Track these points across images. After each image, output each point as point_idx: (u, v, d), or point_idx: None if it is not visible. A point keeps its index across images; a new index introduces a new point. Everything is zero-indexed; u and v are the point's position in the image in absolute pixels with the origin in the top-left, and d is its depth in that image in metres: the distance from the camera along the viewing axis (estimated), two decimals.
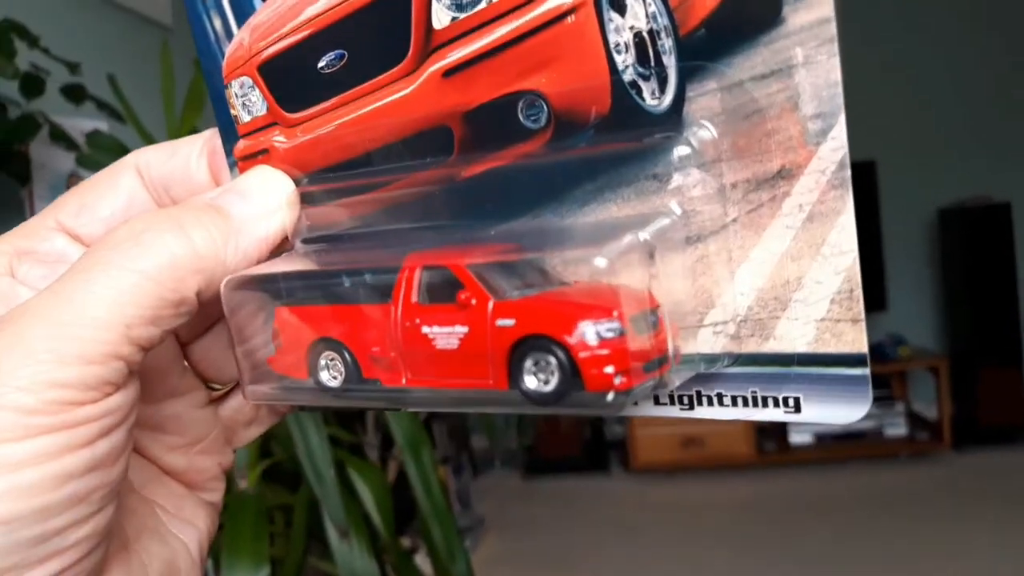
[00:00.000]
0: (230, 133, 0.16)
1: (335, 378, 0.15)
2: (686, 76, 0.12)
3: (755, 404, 0.13)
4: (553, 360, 0.12)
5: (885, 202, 2.04)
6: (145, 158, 0.16)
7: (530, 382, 0.12)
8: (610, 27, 0.12)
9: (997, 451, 1.87)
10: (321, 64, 0.15)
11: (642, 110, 0.12)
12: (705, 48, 0.12)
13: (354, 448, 0.84)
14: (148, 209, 0.16)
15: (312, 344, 0.15)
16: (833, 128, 0.11)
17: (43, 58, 0.81)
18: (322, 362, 0.15)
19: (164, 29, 1.29)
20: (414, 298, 0.14)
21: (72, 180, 0.86)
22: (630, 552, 1.52)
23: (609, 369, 0.11)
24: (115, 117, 0.84)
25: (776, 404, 0.12)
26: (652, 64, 0.12)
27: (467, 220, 0.14)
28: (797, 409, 0.12)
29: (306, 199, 0.16)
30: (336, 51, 0.15)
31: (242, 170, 0.16)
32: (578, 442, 2.00)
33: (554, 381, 0.12)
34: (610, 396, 0.12)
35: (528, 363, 0.12)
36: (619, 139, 0.13)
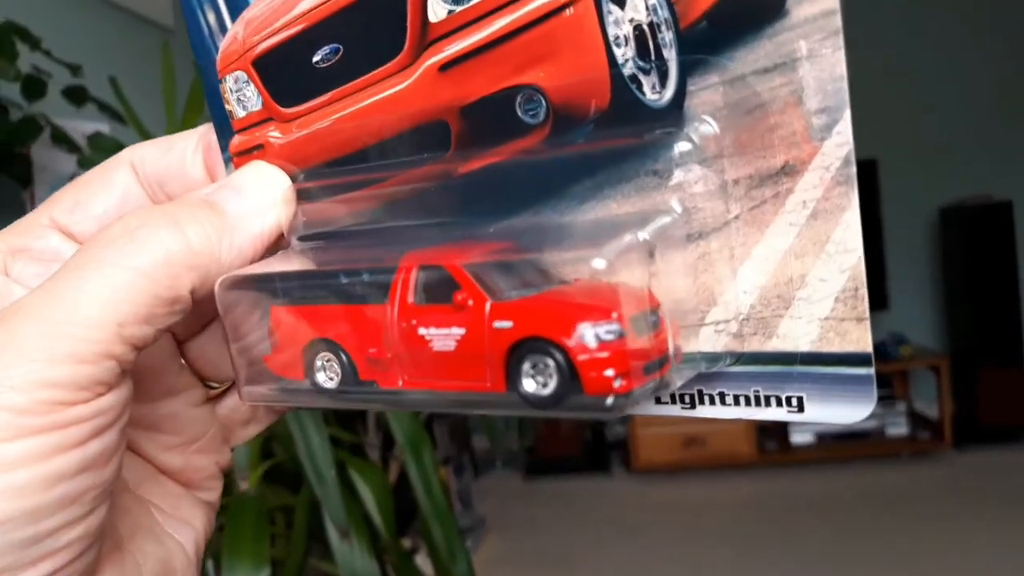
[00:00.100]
0: (225, 128, 0.16)
1: (331, 379, 0.15)
2: (687, 70, 0.12)
3: (758, 403, 0.12)
4: (551, 363, 0.12)
5: (886, 201, 2.04)
6: (140, 154, 0.16)
7: (528, 385, 0.12)
8: (609, 20, 0.12)
9: (998, 450, 1.87)
10: (316, 58, 0.15)
11: (642, 105, 0.12)
12: (707, 41, 0.12)
13: (355, 448, 0.84)
14: (143, 206, 0.16)
15: (308, 345, 0.15)
16: (838, 123, 0.11)
17: (44, 60, 0.81)
18: (318, 363, 0.15)
19: (165, 30, 1.29)
20: (410, 299, 0.13)
21: None
22: (631, 552, 1.52)
23: (609, 372, 0.11)
24: (116, 119, 0.84)
25: (779, 403, 0.12)
26: (652, 58, 0.12)
27: (465, 217, 0.14)
28: (800, 409, 0.12)
29: (302, 195, 0.16)
30: (331, 45, 0.14)
31: (237, 166, 0.16)
32: (579, 442, 2.00)
33: (552, 384, 0.12)
34: (609, 400, 0.11)
35: (526, 366, 0.12)
36: (619, 134, 0.12)
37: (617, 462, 2.04)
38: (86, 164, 0.80)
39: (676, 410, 0.13)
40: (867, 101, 1.81)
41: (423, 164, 0.14)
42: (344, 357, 0.15)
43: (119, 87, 0.81)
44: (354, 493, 0.66)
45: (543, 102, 0.13)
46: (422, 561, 0.78)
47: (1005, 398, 1.90)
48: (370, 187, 0.15)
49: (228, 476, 0.68)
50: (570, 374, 0.12)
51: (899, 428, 1.92)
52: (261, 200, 0.15)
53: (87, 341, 0.12)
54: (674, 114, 0.12)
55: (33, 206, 0.86)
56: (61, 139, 0.81)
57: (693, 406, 0.13)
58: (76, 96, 0.84)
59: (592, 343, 0.11)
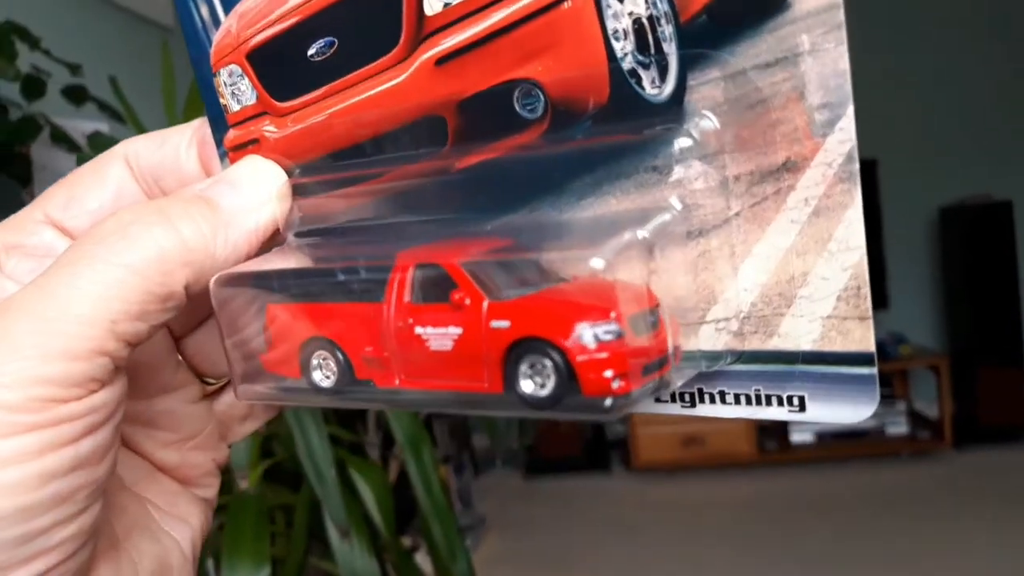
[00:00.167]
0: (220, 123, 0.16)
1: (328, 378, 0.15)
2: (687, 64, 0.12)
3: (758, 402, 0.12)
4: (549, 363, 0.12)
5: (886, 200, 2.03)
6: (134, 148, 0.16)
7: (526, 386, 0.12)
8: (608, 13, 0.12)
9: (997, 450, 1.87)
10: (311, 52, 0.14)
11: (642, 99, 0.12)
12: (707, 35, 0.12)
13: (355, 447, 0.84)
14: (137, 201, 0.16)
15: (304, 343, 0.15)
16: (841, 119, 0.11)
17: (44, 60, 0.81)
18: (314, 361, 0.15)
19: (164, 30, 1.29)
20: (407, 297, 0.13)
21: None
22: (631, 551, 1.52)
23: (607, 373, 0.11)
24: (116, 118, 0.84)
25: (780, 403, 0.12)
26: (652, 52, 0.12)
27: (462, 213, 0.14)
28: (802, 408, 0.12)
29: (298, 191, 0.15)
30: (326, 38, 0.14)
31: (233, 160, 0.16)
32: (579, 441, 2.00)
33: (550, 385, 0.12)
34: (608, 401, 0.11)
35: (524, 366, 0.12)
36: (618, 130, 0.12)
37: (617, 461, 2.04)
38: (86, 163, 0.79)
39: (676, 409, 0.13)
40: (867, 101, 1.81)
41: (420, 160, 0.14)
42: (340, 355, 0.14)
43: (119, 86, 0.81)
44: (354, 492, 0.67)
45: (541, 97, 0.12)
46: (422, 560, 0.78)
47: (1005, 398, 1.90)
48: (366, 183, 0.15)
49: (228, 475, 0.69)
50: (568, 375, 0.11)
51: (899, 427, 1.92)
52: (256, 195, 0.15)
53: (80, 338, 0.12)
54: (674, 109, 0.12)
55: None
56: (61, 138, 0.81)
57: (693, 405, 0.13)
58: (76, 95, 0.84)
59: (591, 343, 0.11)
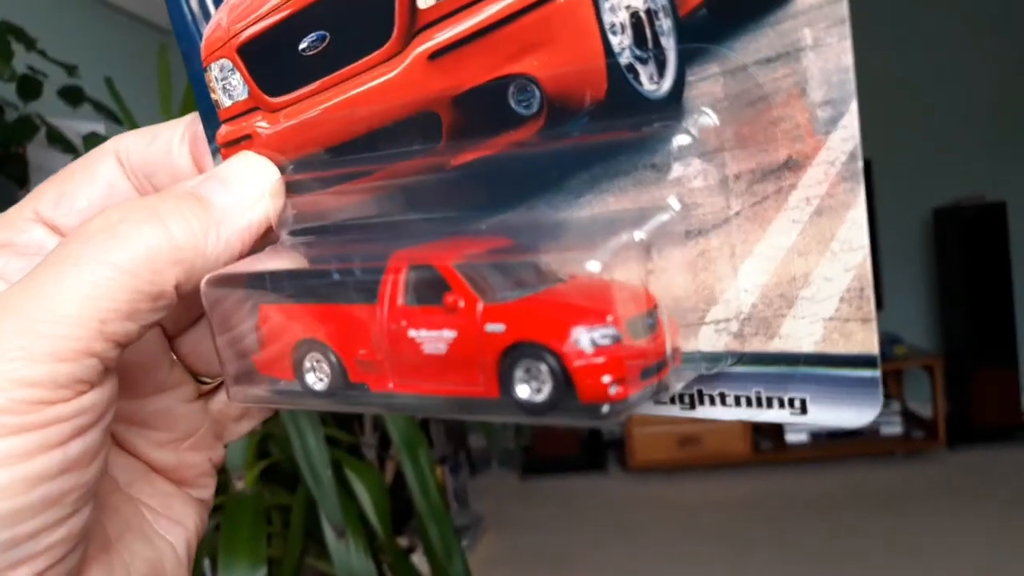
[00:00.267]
0: (212, 118, 0.16)
1: (321, 380, 0.14)
2: (686, 59, 0.12)
3: (759, 404, 0.12)
4: (545, 368, 0.11)
5: (881, 201, 2.04)
6: (125, 144, 0.16)
7: (522, 391, 0.12)
8: (605, 7, 0.12)
9: (991, 450, 1.89)
10: (303, 46, 0.14)
11: (639, 95, 0.12)
12: (707, 29, 0.11)
13: (351, 448, 0.84)
14: (129, 198, 0.16)
15: (296, 345, 0.15)
16: (844, 116, 0.11)
17: (40, 60, 0.80)
18: (307, 364, 0.15)
19: (161, 31, 1.28)
20: (400, 300, 0.13)
21: None
22: (628, 551, 1.52)
23: (605, 378, 0.11)
24: (112, 119, 0.84)
25: (781, 405, 0.12)
26: (650, 46, 0.12)
27: (457, 212, 0.13)
28: (803, 411, 0.12)
29: (292, 188, 0.15)
30: (317, 32, 0.14)
31: (225, 157, 0.15)
32: (576, 441, 2.01)
33: (546, 390, 0.11)
34: (605, 407, 0.11)
35: (519, 371, 0.12)
36: (615, 127, 0.12)
37: (613, 461, 2.04)
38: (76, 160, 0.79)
39: (675, 410, 0.13)
40: (861, 102, 1.81)
41: (414, 156, 0.14)
42: (333, 358, 0.14)
43: (115, 87, 0.81)
44: (350, 493, 0.66)
45: (537, 92, 0.12)
46: (418, 560, 0.78)
47: (998, 398, 1.92)
48: (360, 180, 0.14)
49: (224, 475, 0.68)
50: (565, 380, 0.11)
51: (893, 427, 1.93)
52: (249, 192, 0.15)
53: (67, 339, 0.12)
54: (673, 106, 0.12)
55: None
56: (57, 139, 0.81)
57: (693, 406, 0.13)
58: (72, 96, 0.84)
59: (587, 348, 0.11)
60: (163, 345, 0.16)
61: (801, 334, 0.11)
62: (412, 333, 0.13)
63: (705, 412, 0.12)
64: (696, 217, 0.12)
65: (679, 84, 0.12)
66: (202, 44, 0.15)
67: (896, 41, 2.08)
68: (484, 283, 0.12)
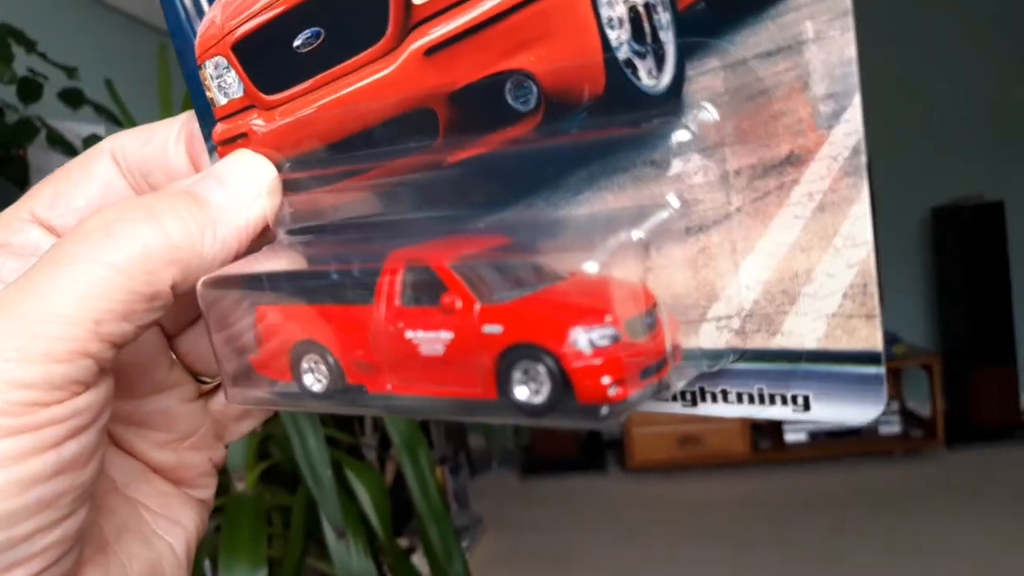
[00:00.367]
0: (207, 116, 0.16)
1: (319, 382, 0.14)
2: (685, 53, 0.11)
3: (761, 401, 0.12)
4: (543, 369, 0.11)
5: (879, 200, 2.04)
6: (120, 143, 0.16)
7: (520, 392, 0.12)
8: (602, 0, 0.11)
9: (989, 448, 1.89)
10: (297, 43, 0.14)
11: (638, 91, 0.12)
12: (706, 23, 0.11)
13: (351, 449, 0.83)
14: (125, 197, 0.16)
15: (294, 346, 0.15)
16: (847, 110, 0.10)
17: (40, 63, 0.80)
18: (305, 365, 0.14)
19: (161, 33, 1.28)
20: (397, 300, 0.13)
21: None
22: (628, 551, 1.52)
23: (604, 379, 0.11)
24: (112, 121, 0.84)
25: (784, 402, 0.12)
26: (648, 40, 0.12)
27: (455, 209, 0.13)
28: (806, 407, 0.12)
29: (289, 186, 0.15)
30: (312, 28, 0.14)
31: (222, 155, 0.15)
32: (575, 441, 2.00)
33: (545, 392, 0.11)
34: (604, 409, 0.11)
35: (517, 372, 0.12)
36: (614, 122, 0.12)
37: (613, 461, 2.04)
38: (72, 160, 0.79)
39: (677, 407, 0.12)
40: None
41: (411, 154, 0.13)
42: (331, 360, 0.14)
43: (115, 90, 0.80)
44: (351, 493, 0.66)
45: (534, 88, 0.12)
46: (418, 560, 0.78)
47: (996, 397, 1.92)
48: (357, 177, 0.14)
49: (225, 476, 0.68)
50: (563, 381, 0.11)
51: (892, 426, 1.93)
52: (245, 191, 0.14)
53: (62, 339, 0.12)
54: (672, 100, 0.12)
55: None
56: (57, 141, 0.81)
57: (695, 403, 0.12)
58: (72, 98, 0.84)
59: (586, 349, 0.11)
60: (162, 345, 0.16)
61: (804, 331, 0.11)
62: (409, 334, 0.13)
63: (707, 409, 0.12)
64: (697, 213, 0.12)
65: (678, 79, 0.12)
66: (196, 42, 0.15)
67: (895, 40, 2.08)
68: (481, 283, 0.12)
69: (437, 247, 0.13)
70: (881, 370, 0.11)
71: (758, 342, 0.12)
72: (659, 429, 1.90)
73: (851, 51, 0.10)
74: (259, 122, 0.15)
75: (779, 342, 0.11)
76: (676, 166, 0.12)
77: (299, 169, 0.15)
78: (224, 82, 0.15)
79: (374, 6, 0.13)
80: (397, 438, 0.68)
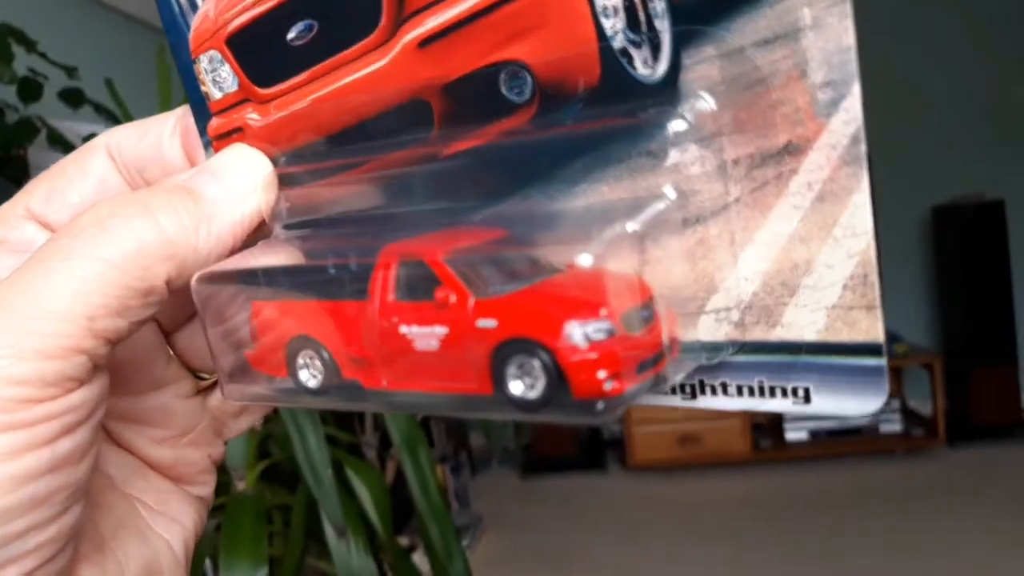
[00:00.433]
0: (203, 111, 0.15)
1: (315, 377, 0.14)
2: (681, 42, 0.11)
3: (762, 394, 0.12)
4: (538, 364, 0.11)
5: (879, 199, 2.04)
6: (116, 139, 0.16)
7: (515, 387, 0.11)
8: None
9: (990, 447, 1.89)
10: (291, 36, 0.14)
11: (634, 80, 0.12)
12: (702, 11, 0.11)
13: (352, 448, 0.83)
14: (120, 192, 0.15)
15: (289, 341, 0.14)
16: (845, 98, 0.10)
17: (41, 62, 0.80)
18: (300, 360, 0.14)
19: (160, 32, 1.28)
20: (391, 295, 0.13)
21: None
22: (628, 550, 1.52)
23: (600, 374, 0.11)
24: (113, 120, 0.84)
25: (784, 394, 0.12)
26: (644, 29, 0.11)
27: (450, 202, 0.13)
28: (807, 400, 0.11)
29: (284, 180, 0.15)
30: (305, 21, 0.14)
31: (217, 150, 0.15)
32: (575, 441, 2.00)
33: (540, 386, 0.11)
34: (600, 404, 0.11)
35: (512, 367, 0.11)
36: (610, 113, 0.12)
37: (613, 460, 2.04)
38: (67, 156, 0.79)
39: (676, 400, 0.12)
40: None
41: (406, 146, 0.13)
42: (325, 355, 0.14)
43: (115, 89, 0.80)
44: (351, 492, 0.66)
45: (528, 79, 0.12)
46: (419, 559, 0.78)
47: (997, 396, 1.92)
48: (353, 171, 0.14)
49: (225, 475, 0.68)
50: (558, 376, 0.11)
51: (893, 425, 1.93)
52: (241, 185, 0.14)
53: (55, 335, 0.12)
54: (668, 90, 0.11)
55: None
56: (57, 141, 0.81)
57: (694, 396, 0.12)
58: (72, 98, 0.84)
59: (581, 343, 0.11)
60: (159, 341, 0.16)
61: (803, 322, 0.11)
62: (403, 329, 0.13)
63: (706, 402, 0.12)
64: (694, 204, 0.12)
65: (674, 68, 0.11)
66: (190, 36, 0.15)
67: (895, 39, 2.08)
68: (476, 277, 0.12)
69: (431, 241, 0.13)
70: (882, 362, 0.11)
71: (757, 334, 0.12)
72: (659, 428, 1.90)
73: (849, 38, 0.10)
74: (254, 116, 0.15)
75: (779, 334, 0.11)
76: (673, 156, 0.12)
77: (294, 163, 0.15)
78: (218, 76, 0.15)
79: None
80: (397, 437, 0.68)
